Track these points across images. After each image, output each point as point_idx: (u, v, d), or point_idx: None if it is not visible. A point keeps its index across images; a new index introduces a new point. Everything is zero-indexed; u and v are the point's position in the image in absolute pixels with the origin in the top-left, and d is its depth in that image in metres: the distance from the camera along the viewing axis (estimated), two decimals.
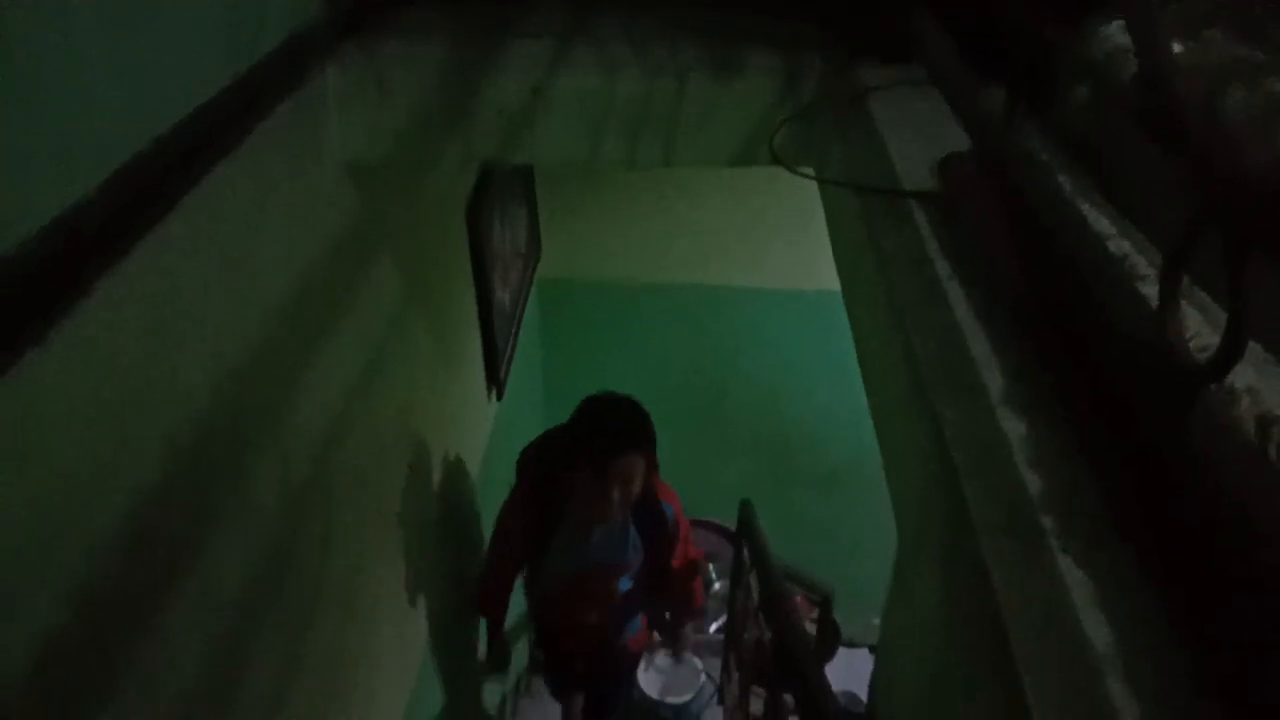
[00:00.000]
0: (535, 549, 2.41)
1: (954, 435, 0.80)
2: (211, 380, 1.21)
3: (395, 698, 2.20)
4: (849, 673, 3.79)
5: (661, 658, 3.93)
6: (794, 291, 4.33)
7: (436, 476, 2.52)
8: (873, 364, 1.21)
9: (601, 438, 2.13)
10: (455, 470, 2.72)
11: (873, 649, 4.24)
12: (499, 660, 2.86)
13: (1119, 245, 0.87)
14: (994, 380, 0.86)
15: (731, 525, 3.63)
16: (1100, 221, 0.92)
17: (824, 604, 3.65)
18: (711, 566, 4.74)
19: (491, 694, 3.41)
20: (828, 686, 1.63)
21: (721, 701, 3.66)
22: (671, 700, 3.76)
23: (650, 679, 3.82)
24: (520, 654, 3.59)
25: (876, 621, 1.38)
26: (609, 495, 2.15)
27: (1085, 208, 0.95)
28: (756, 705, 2.87)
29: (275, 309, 1.40)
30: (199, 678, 1.21)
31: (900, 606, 1.09)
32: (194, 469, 1.18)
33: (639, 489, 2.19)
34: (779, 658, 2.29)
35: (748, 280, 4.39)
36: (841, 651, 4.06)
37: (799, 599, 3.78)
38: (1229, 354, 0.58)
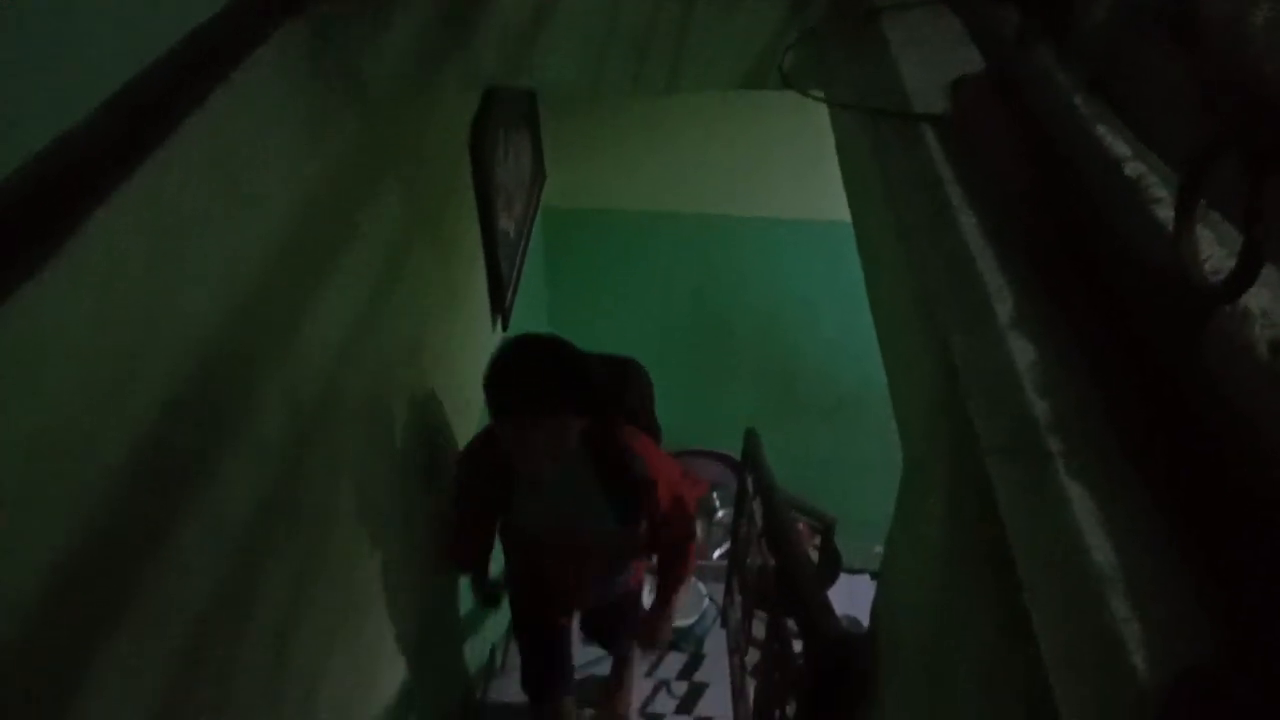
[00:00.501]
0: (498, 505, 2.23)
1: (962, 359, 0.80)
2: (216, 305, 1.21)
3: (408, 617, 2.25)
4: (850, 598, 3.86)
5: None
6: (802, 221, 4.30)
7: (442, 404, 2.53)
8: (881, 289, 1.20)
9: (506, 399, 1.89)
10: (460, 398, 2.73)
11: (874, 575, 4.31)
12: (488, 599, 2.63)
13: (1134, 168, 0.85)
14: (1003, 305, 0.85)
15: (736, 454, 3.67)
16: (1116, 144, 0.91)
17: (826, 531, 3.71)
18: (716, 495, 4.79)
19: (482, 644, 3.45)
20: (830, 607, 1.66)
21: (725, 625, 3.74)
22: (675, 623, 3.84)
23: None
24: (493, 628, 3.52)
25: (878, 549, 1.39)
26: (523, 458, 1.96)
27: (1101, 130, 0.93)
28: (759, 628, 2.92)
29: (279, 233, 1.39)
30: (213, 599, 1.23)
31: (904, 529, 1.10)
32: (202, 394, 1.18)
33: (566, 446, 1.95)
34: (782, 582, 2.32)
35: (755, 210, 4.35)
36: (843, 577, 4.14)
37: (801, 527, 3.83)
38: (1244, 275, 0.58)
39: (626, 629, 2.82)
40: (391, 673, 2.15)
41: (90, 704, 0.97)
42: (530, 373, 1.87)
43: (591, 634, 3.00)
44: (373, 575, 1.95)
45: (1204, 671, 0.53)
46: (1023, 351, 0.80)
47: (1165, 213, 0.75)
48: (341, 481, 1.74)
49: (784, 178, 4.20)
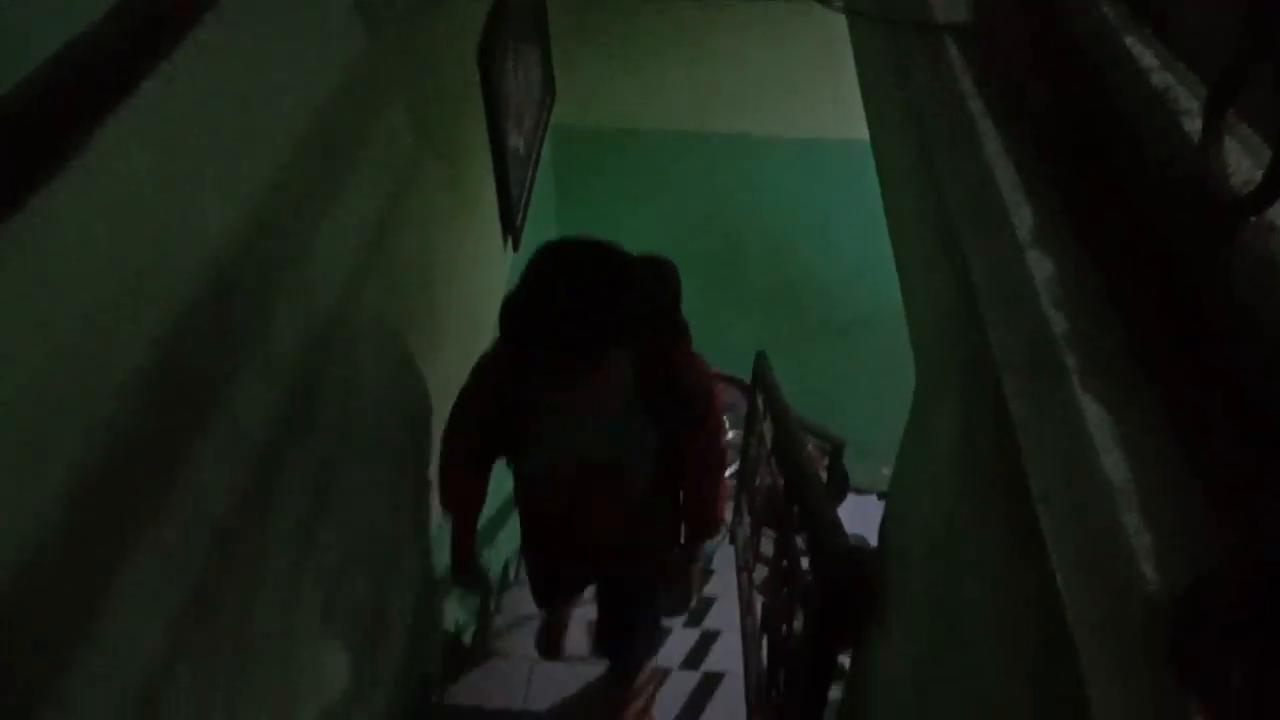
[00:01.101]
0: (509, 441, 1.87)
1: (980, 275, 0.79)
2: (227, 222, 1.20)
3: (419, 532, 2.29)
4: (859, 517, 3.90)
5: None
6: (815, 140, 4.23)
7: (454, 326, 2.53)
8: (898, 205, 1.18)
9: (534, 359, 1.51)
10: (472, 320, 2.74)
11: (882, 495, 4.36)
12: (467, 580, 2.16)
13: (1162, 78, 0.83)
14: (1023, 220, 0.84)
15: (746, 377, 3.68)
16: (1144, 54, 0.88)
17: (834, 452, 3.74)
18: (726, 417, 4.82)
19: (496, 557, 3.48)
20: (839, 524, 1.68)
21: (733, 542, 3.80)
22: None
23: None
24: (506, 542, 3.55)
25: (886, 470, 1.40)
26: (570, 410, 1.70)
27: (1129, 39, 0.90)
28: (766, 546, 2.97)
29: (288, 150, 1.37)
30: (231, 515, 1.25)
31: (916, 446, 1.11)
32: (214, 311, 1.18)
33: (612, 392, 1.66)
34: (791, 500, 2.35)
35: (769, 129, 4.28)
36: (851, 497, 4.18)
37: (811, 449, 3.86)
38: (1272, 187, 0.56)
39: (640, 631, 2.44)
40: (405, 584, 2.19)
41: (110, 618, 0.99)
42: (564, 327, 1.41)
43: (602, 634, 2.56)
44: (385, 491, 1.98)
45: (1214, 581, 0.54)
46: (1041, 267, 0.79)
47: (1193, 124, 0.73)
48: (353, 398, 1.75)
49: (799, 96, 4.12)
